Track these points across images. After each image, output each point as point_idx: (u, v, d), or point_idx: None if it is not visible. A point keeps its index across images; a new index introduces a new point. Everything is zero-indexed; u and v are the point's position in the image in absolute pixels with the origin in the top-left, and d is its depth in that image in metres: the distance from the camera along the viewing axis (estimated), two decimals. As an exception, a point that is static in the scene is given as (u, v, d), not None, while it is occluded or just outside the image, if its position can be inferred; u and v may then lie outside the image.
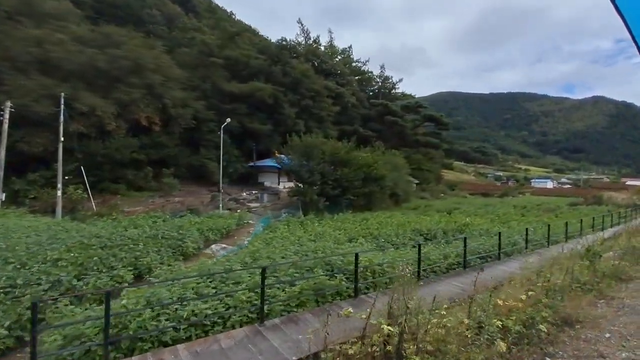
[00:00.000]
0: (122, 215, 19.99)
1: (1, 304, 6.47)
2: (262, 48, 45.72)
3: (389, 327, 3.66)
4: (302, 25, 58.83)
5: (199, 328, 5.33)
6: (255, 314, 5.82)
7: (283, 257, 9.98)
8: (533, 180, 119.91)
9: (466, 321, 4.16)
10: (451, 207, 34.83)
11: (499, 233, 11.11)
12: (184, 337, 5.07)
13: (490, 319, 4.30)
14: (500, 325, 4.23)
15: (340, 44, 64.67)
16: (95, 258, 9.26)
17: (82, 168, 21.18)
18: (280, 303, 6.29)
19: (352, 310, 4.34)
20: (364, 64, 65.07)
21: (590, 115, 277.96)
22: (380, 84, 65.69)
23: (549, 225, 13.81)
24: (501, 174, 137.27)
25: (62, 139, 19.53)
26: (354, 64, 64.02)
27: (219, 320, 5.60)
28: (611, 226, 19.32)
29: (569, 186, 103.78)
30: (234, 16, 64.44)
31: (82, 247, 10.31)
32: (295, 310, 6.35)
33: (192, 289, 6.77)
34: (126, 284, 8.47)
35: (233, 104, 38.33)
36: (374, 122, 52.05)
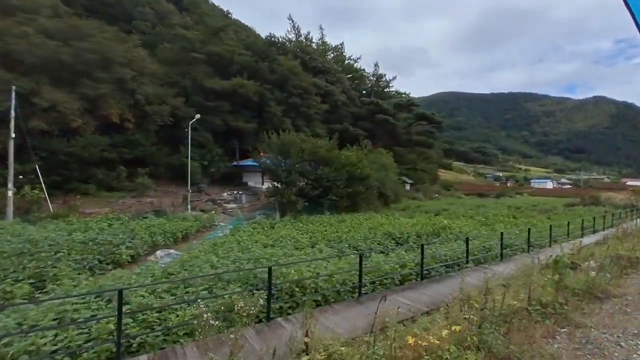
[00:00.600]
0: (79, 217, 18.71)
1: None
2: (249, 44, 44.45)
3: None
4: (292, 21, 57.71)
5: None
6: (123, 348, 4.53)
7: (213, 267, 8.69)
8: (533, 180, 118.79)
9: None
10: (441, 208, 33.46)
11: (467, 239, 9.76)
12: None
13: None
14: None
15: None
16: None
17: (37, 167, 19.89)
18: (160, 333, 4.96)
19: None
20: (356, 61, 63.76)
21: (591, 115, 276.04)
22: (373, 82, 64.22)
23: (529, 229, 12.44)
24: (500, 174, 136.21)
25: (13, 135, 18.27)
26: (346, 62, 62.62)
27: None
28: (603, 229, 17.93)
29: (569, 186, 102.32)
30: (230, 15, 63.41)
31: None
32: (182, 341, 4.99)
33: (69, 311, 5.52)
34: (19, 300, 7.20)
35: (217, 102, 37.11)
36: (364, 121, 50.59)
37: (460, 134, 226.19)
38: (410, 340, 3.63)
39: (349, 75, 60.87)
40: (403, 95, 62.82)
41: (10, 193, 17.90)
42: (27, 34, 22.98)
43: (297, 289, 6.83)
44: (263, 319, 5.83)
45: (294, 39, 55.64)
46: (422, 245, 8.65)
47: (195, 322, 4.03)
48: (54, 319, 5.16)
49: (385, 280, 8.08)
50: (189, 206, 22.04)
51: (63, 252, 9.98)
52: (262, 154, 32.08)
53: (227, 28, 42.16)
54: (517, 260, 10.51)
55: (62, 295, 6.46)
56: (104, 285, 7.40)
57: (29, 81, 21.52)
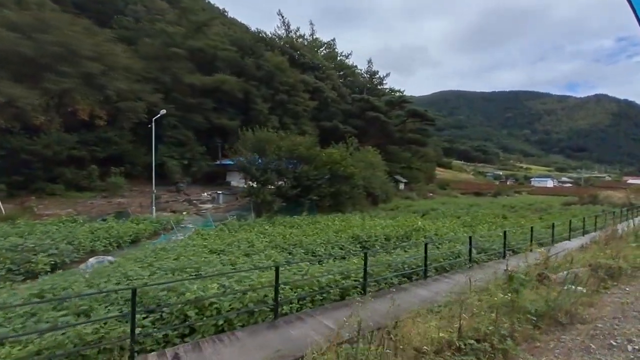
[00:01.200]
0: (33, 219, 17.50)
1: None
2: (236, 40, 43.13)
3: None
4: (282, 17, 56.25)
5: None
6: None
7: (126, 278, 7.41)
8: (533, 179, 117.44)
9: None
10: (430, 208, 32.12)
11: (425, 244, 8.45)
12: None
13: None
14: None
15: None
16: None
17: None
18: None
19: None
20: (347, 57, 62.29)
21: (593, 113, 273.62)
22: (367, 79, 62.71)
23: (505, 232, 11.10)
24: (501, 172, 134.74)
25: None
26: (338, 58, 61.14)
27: None
28: (595, 229, 16.55)
29: (569, 185, 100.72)
30: (226, 13, 62.04)
31: None
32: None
33: None
34: None
35: (199, 99, 35.86)
36: (355, 119, 49.12)
37: (461, 133, 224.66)
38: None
39: (341, 72, 59.43)
40: (397, 92, 61.28)
41: (-45, 194, 16.71)
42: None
43: (193, 312, 5.53)
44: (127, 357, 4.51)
45: (283, 35, 54.30)
46: (366, 254, 7.33)
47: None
48: None
49: (318, 297, 6.78)
50: (153, 207, 20.78)
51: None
52: (244, 152, 30.87)
53: (211, 23, 40.82)
54: (488, 267, 9.21)
55: None
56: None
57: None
